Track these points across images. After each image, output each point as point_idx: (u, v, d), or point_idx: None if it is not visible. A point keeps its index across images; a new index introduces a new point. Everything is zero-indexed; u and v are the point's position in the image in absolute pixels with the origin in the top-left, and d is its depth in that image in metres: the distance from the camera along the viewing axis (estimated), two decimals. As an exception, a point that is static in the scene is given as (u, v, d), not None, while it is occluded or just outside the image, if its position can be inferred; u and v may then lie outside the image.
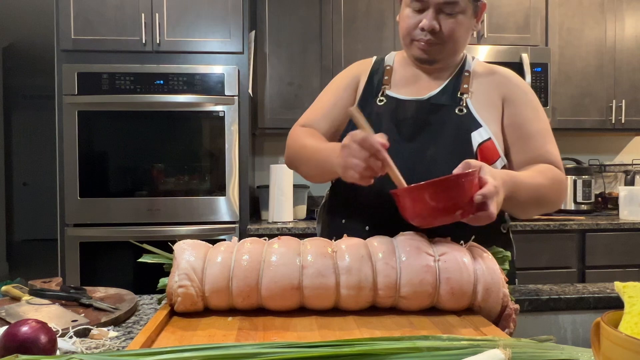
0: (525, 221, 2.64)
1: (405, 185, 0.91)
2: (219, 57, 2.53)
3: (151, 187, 2.46)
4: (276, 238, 0.91)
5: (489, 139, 1.10)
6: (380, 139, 0.89)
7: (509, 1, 2.88)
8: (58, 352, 0.69)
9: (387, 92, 1.18)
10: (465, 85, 1.14)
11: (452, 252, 0.86)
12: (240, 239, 0.94)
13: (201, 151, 2.49)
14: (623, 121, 2.98)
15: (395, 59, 1.25)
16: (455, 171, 0.90)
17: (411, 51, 1.15)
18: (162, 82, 2.45)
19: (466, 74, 1.16)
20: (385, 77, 1.20)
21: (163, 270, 0.92)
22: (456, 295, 0.84)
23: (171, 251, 0.90)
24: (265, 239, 0.91)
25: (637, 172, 3.25)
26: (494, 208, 0.86)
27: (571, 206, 2.97)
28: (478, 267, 0.85)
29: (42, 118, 7.48)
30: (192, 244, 0.89)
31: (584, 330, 1.13)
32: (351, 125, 1.14)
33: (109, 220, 2.44)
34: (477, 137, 1.09)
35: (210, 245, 0.91)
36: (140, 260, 0.92)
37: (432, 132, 1.10)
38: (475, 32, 1.22)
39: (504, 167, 1.11)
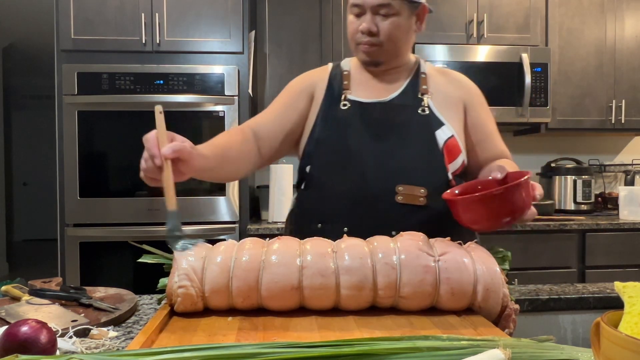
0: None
1: (174, 203, 0.90)
2: (219, 57, 2.53)
3: (151, 187, 2.44)
4: (276, 238, 0.91)
5: (452, 136, 1.16)
6: (167, 149, 0.89)
7: (509, 1, 2.88)
8: (58, 352, 0.69)
9: (349, 96, 1.20)
10: (424, 86, 1.20)
11: (452, 252, 0.86)
12: (240, 239, 0.94)
13: (201, 151, 2.48)
14: (623, 121, 2.98)
15: (351, 64, 1.27)
16: (493, 175, 0.95)
17: (357, 55, 1.20)
18: (162, 82, 2.45)
19: (422, 75, 1.22)
20: (345, 82, 1.22)
21: (163, 270, 0.92)
22: (456, 295, 0.84)
23: (171, 251, 0.89)
24: (267, 239, 0.91)
25: (637, 172, 3.25)
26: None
27: (571, 206, 2.98)
28: (478, 267, 0.85)
29: (42, 118, 7.48)
30: None
31: (584, 330, 1.13)
32: (314, 133, 1.18)
33: (109, 220, 2.44)
34: (441, 135, 1.15)
35: (210, 245, 0.91)
36: (140, 260, 0.92)
37: (399, 133, 1.15)
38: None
39: (463, 163, 1.18)
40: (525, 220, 0.91)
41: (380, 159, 1.10)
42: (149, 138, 0.91)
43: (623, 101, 2.97)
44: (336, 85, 1.22)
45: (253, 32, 2.69)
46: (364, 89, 1.21)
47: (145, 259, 0.91)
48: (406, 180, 1.10)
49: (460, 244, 0.91)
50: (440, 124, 1.16)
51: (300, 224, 1.21)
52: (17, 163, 7.50)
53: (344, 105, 1.19)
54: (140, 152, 0.91)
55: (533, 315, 1.12)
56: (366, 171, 1.11)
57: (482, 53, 2.78)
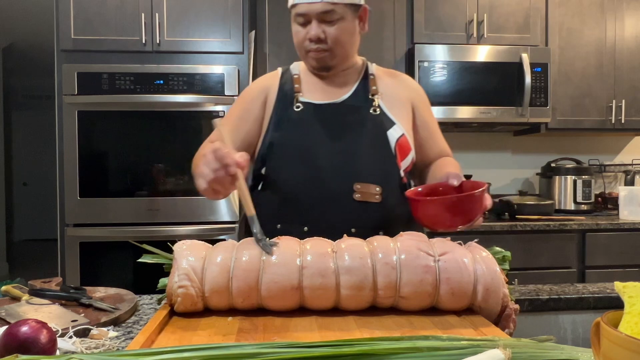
0: (525, 221, 2.64)
1: (253, 211, 0.94)
2: (219, 57, 2.53)
3: (151, 187, 2.46)
4: (276, 238, 0.91)
5: (403, 134, 1.21)
6: (239, 157, 0.91)
7: (509, 1, 2.88)
8: (58, 352, 0.69)
9: (301, 98, 1.22)
10: (374, 87, 1.25)
11: (452, 252, 0.86)
12: (240, 239, 0.94)
13: (201, 151, 2.48)
14: (623, 121, 2.97)
15: (300, 68, 1.30)
16: (451, 181, 1.05)
17: (307, 62, 1.23)
18: (162, 82, 2.45)
19: (371, 77, 1.27)
20: (296, 85, 1.25)
21: (163, 270, 0.92)
22: (456, 295, 0.84)
23: (171, 251, 0.89)
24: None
25: (637, 172, 3.25)
26: None
27: (571, 206, 2.98)
28: (478, 267, 0.85)
29: (42, 118, 7.48)
30: (191, 244, 0.89)
31: (584, 330, 1.13)
32: (268, 136, 1.21)
33: (109, 220, 2.44)
34: (393, 134, 1.20)
35: (210, 245, 0.91)
36: (140, 260, 0.92)
37: (352, 133, 1.18)
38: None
39: (412, 160, 1.24)
40: (475, 226, 0.99)
41: (337, 159, 1.12)
42: (221, 148, 0.92)
43: (623, 101, 2.97)
44: (288, 88, 1.24)
45: (253, 32, 2.69)
46: (315, 92, 1.24)
47: (145, 259, 0.91)
48: (362, 179, 1.14)
49: (460, 244, 0.91)
50: (391, 123, 1.21)
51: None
52: (17, 163, 7.50)
53: (297, 107, 1.21)
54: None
55: (533, 315, 1.12)
56: (323, 170, 1.12)
57: (482, 53, 2.78)
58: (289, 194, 1.16)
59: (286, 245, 0.88)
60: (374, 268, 0.84)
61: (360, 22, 1.22)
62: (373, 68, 1.30)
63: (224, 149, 0.91)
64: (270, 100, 1.25)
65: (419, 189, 1.10)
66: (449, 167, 1.19)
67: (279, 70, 1.31)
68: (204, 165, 0.93)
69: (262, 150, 1.22)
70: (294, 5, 1.18)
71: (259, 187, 1.23)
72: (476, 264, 0.86)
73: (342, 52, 1.20)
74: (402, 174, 1.20)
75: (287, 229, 1.11)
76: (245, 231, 1.33)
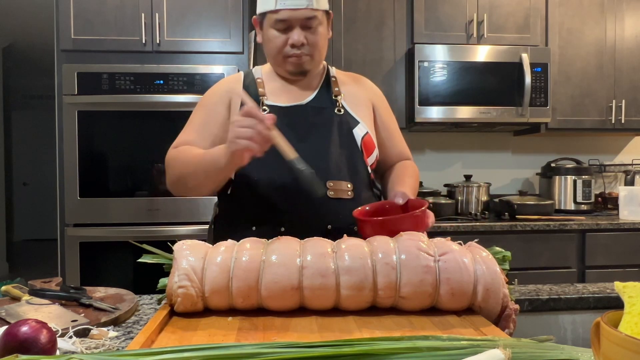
0: (525, 221, 2.64)
1: (294, 153, 1.02)
2: (219, 57, 2.53)
3: (151, 187, 2.46)
4: (276, 238, 0.91)
5: (367, 132, 1.26)
6: (267, 114, 0.98)
7: (509, 1, 2.88)
8: (58, 352, 0.69)
9: (266, 102, 1.24)
10: (337, 89, 1.29)
11: (452, 252, 0.86)
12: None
13: (201, 151, 2.48)
14: (623, 121, 2.98)
15: (262, 71, 1.32)
16: (397, 200, 1.13)
17: (284, 67, 1.24)
18: (162, 82, 2.45)
19: (333, 79, 1.31)
20: (260, 89, 1.26)
21: (163, 270, 0.92)
22: (456, 295, 0.84)
23: (171, 251, 0.89)
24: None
25: (637, 172, 3.25)
26: None
27: (571, 206, 2.98)
28: (478, 268, 0.85)
29: (42, 118, 7.48)
30: (191, 245, 0.89)
31: (584, 330, 1.13)
32: None
33: (109, 220, 2.44)
34: (358, 133, 1.24)
35: (210, 245, 0.91)
36: (140, 260, 0.92)
37: (320, 133, 1.21)
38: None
39: (376, 157, 1.30)
40: None
41: (309, 158, 1.11)
42: (254, 107, 0.98)
43: (623, 101, 2.97)
44: (252, 92, 1.25)
45: (253, 32, 2.69)
46: (280, 95, 1.26)
47: (145, 259, 0.91)
48: (333, 176, 1.17)
49: (460, 244, 0.91)
50: (355, 122, 1.25)
51: (229, 229, 1.21)
52: (17, 163, 7.50)
53: (263, 110, 1.22)
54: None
55: (533, 315, 1.12)
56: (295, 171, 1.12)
57: (482, 53, 2.78)
58: (263, 196, 1.17)
59: (286, 245, 0.88)
60: (374, 268, 0.84)
61: (329, 27, 1.27)
62: (333, 71, 1.34)
63: (255, 106, 0.97)
64: (235, 104, 1.25)
65: (367, 208, 1.14)
66: (405, 178, 1.25)
67: (241, 73, 1.32)
68: (237, 127, 0.97)
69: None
70: (274, 11, 1.18)
71: (228, 191, 1.23)
72: (476, 264, 0.86)
73: (319, 57, 1.24)
74: (369, 170, 1.26)
75: (263, 231, 1.12)
76: (210, 235, 1.36)
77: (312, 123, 1.22)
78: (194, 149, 1.19)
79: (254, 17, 1.27)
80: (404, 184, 1.22)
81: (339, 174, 1.18)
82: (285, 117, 1.20)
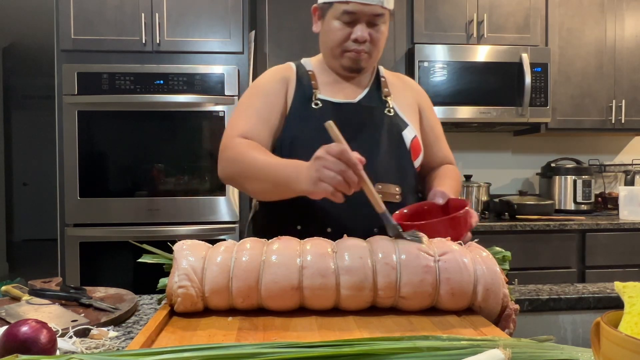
0: (525, 221, 2.64)
1: (384, 207, 0.92)
2: (219, 57, 2.53)
3: (151, 187, 2.46)
4: (276, 238, 0.91)
5: (415, 136, 1.23)
6: (358, 155, 0.90)
7: (509, 1, 2.88)
8: (58, 352, 0.69)
9: (319, 95, 1.20)
10: (387, 89, 1.26)
11: (452, 252, 0.86)
12: (240, 239, 0.94)
13: (201, 151, 2.49)
14: (623, 121, 2.98)
15: (312, 64, 1.27)
16: (436, 201, 1.10)
17: (341, 61, 1.19)
18: (162, 82, 2.45)
19: (382, 79, 1.28)
20: (313, 82, 1.22)
21: (163, 270, 0.92)
22: (456, 295, 0.84)
23: (171, 251, 0.89)
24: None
25: (637, 172, 3.25)
26: None
27: (571, 206, 2.98)
28: (478, 268, 0.85)
29: (42, 118, 7.48)
30: (191, 245, 0.89)
31: (584, 330, 1.13)
32: (287, 132, 1.17)
33: (109, 220, 2.44)
34: (407, 135, 1.21)
35: (210, 245, 0.91)
36: (140, 260, 0.92)
37: (369, 133, 1.17)
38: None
39: (421, 161, 1.26)
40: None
41: None
42: (344, 149, 0.88)
43: (623, 101, 2.97)
44: (305, 83, 1.21)
45: (253, 32, 2.69)
46: (331, 90, 1.22)
47: (145, 259, 0.91)
48: (382, 179, 1.14)
49: (460, 244, 0.91)
50: (405, 124, 1.22)
51: (271, 227, 1.15)
52: (17, 163, 7.50)
53: (316, 104, 1.18)
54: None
55: (533, 315, 1.12)
56: None
57: (482, 53, 2.78)
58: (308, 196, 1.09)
59: (286, 245, 0.88)
60: (374, 268, 0.84)
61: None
62: (382, 70, 1.30)
63: (347, 150, 0.88)
64: (290, 93, 1.21)
65: (405, 211, 1.11)
66: (446, 180, 1.21)
67: (292, 64, 1.27)
68: (324, 169, 0.89)
69: (281, 146, 1.18)
70: (344, 2, 1.12)
71: None
72: (476, 264, 0.86)
73: (377, 56, 1.21)
74: (416, 173, 1.23)
75: (308, 230, 1.05)
76: (250, 230, 1.30)
77: (363, 122, 1.18)
78: (260, 152, 1.10)
79: (315, 5, 1.21)
80: (444, 185, 1.18)
81: (388, 177, 1.15)
82: (337, 114, 1.14)
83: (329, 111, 1.17)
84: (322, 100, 1.19)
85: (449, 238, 0.92)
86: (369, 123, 1.19)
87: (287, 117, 1.19)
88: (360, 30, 1.13)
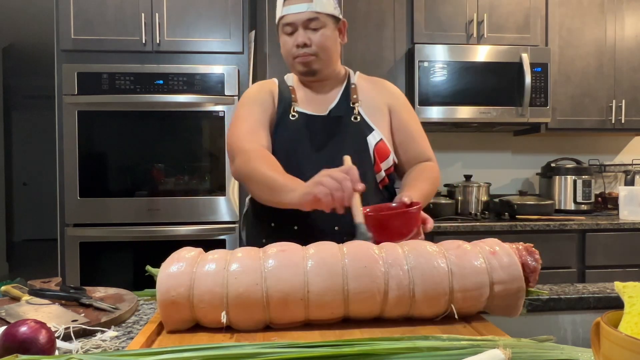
0: (525, 221, 2.64)
1: (361, 218, 1.03)
2: (219, 57, 2.53)
3: (151, 187, 2.46)
4: (275, 248, 0.82)
5: (381, 139, 1.32)
6: (361, 186, 1.02)
7: (509, 1, 2.88)
8: (57, 352, 0.69)
9: (297, 108, 1.33)
10: (355, 96, 1.36)
11: (464, 255, 0.82)
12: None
13: (201, 151, 2.49)
14: (623, 121, 2.97)
15: (293, 80, 1.40)
16: (402, 200, 1.14)
17: (295, 69, 1.33)
18: (162, 82, 2.45)
19: (352, 86, 1.38)
20: (293, 95, 1.35)
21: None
22: (467, 299, 0.81)
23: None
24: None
25: (637, 172, 3.25)
26: None
27: (571, 206, 2.97)
28: (491, 266, 0.82)
29: (42, 118, 7.48)
30: (175, 274, 0.77)
31: (584, 330, 1.13)
32: (281, 140, 1.30)
33: (109, 220, 2.44)
34: (371, 140, 1.30)
35: (194, 270, 0.78)
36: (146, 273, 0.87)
37: (337, 142, 1.29)
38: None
39: (393, 161, 1.35)
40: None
41: (321, 167, 1.13)
42: (354, 169, 1.04)
43: (623, 101, 2.97)
44: (286, 96, 1.35)
45: (253, 32, 2.69)
46: (307, 103, 1.35)
47: (151, 271, 0.88)
48: None
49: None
50: (370, 129, 1.32)
51: (256, 224, 1.36)
52: (17, 163, 7.50)
53: (293, 116, 1.32)
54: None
55: (533, 315, 1.12)
56: (309, 178, 1.12)
57: (482, 53, 2.78)
58: None
59: (286, 259, 0.79)
60: (386, 280, 0.78)
61: (340, 34, 1.35)
62: (355, 77, 1.40)
63: (356, 170, 1.03)
64: (275, 104, 1.35)
65: (367, 210, 1.15)
66: (417, 182, 1.28)
67: (275, 79, 1.41)
68: (331, 180, 1.00)
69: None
70: (281, 17, 1.29)
71: None
72: (489, 263, 0.81)
73: (325, 57, 1.30)
74: (381, 175, 1.32)
75: (280, 227, 1.27)
76: (242, 228, 1.48)
77: (331, 133, 1.30)
78: (270, 167, 1.18)
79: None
80: (414, 188, 1.24)
81: None
82: (309, 126, 1.30)
83: (303, 123, 1.31)
84: (298, 113, 1.32)
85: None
86: (337, 133, 1.30)
87: (272, 126, 1.33)
88: (299, 36, 1.27)
